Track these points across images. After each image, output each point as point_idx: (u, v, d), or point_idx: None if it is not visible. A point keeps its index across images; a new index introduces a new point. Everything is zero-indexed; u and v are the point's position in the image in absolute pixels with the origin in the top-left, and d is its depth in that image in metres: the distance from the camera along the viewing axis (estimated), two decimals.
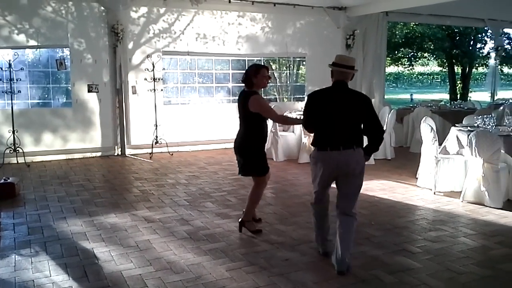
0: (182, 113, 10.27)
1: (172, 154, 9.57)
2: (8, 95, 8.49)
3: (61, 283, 3.77)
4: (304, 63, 12.29)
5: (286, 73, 13.46)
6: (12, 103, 8.48)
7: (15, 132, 8.48)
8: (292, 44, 11.16)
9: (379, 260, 4.26)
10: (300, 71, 14.46)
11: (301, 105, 11.11)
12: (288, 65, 13.09)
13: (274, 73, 13.41)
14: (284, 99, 12.57)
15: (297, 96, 12.14)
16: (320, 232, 4.35)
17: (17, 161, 8.55)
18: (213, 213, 5.64)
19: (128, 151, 9.66)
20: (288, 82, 12.98)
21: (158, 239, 4.75)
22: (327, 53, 11.46)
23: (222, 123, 10.19)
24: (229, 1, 10.01)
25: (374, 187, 6.94)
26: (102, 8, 9.21)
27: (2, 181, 6.35)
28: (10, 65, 8.36)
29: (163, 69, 10.07)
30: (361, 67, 11.89)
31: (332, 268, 4.01)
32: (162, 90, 9.91)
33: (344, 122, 3.91)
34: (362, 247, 4.55)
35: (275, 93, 13.04)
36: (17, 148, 8.49)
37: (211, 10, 10.15)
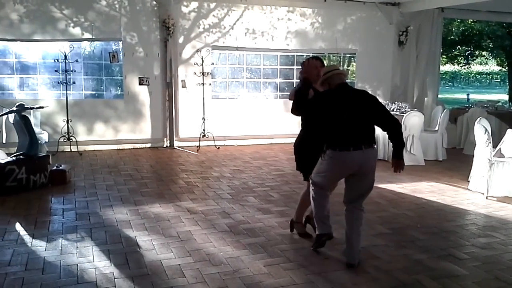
0: (229, 108, 10.34)
1: (218, 148, 9.66)
2: (63, 86, 8.85)
3: (103, 269, 3.87)
4: (354, 59, 12.05)
5: None
6: (67, 94, 8.83)
7: (69, 122, 8.83)
8: (342, 40, 10.97)
9: (423, 264, 4.11)
10: (350, 68, 14.19)
11: None
12: (337, 61, 12.88)
13: None
14: None
15: None
16: (322, 211, 4.21)
17: (70, 150, 8.91)
18: (255, 208, 5.63)
19: (176, 143, 9.85)
20: None
21: (199, 231, 4.79)
22: (379, 50, 11.28)
23: (269, 119, 10.19)
24: None
25: (423, 189, 6.70)
26: (154, 2, 9.41)
27: (55, 168, 6.63)
28: (66, 57, 8.71)
29: (212, 63, 10.16)
30: (413, 64, 11.54)
31: (372, 270, 3.91)
32: (210, 84, 10.02)
33: (360, 121, 3.89)
34: (406, 250, 4.40)
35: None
36: (71, 137, 8.84)
37: (260, 5, 10.15)
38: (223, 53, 10.53)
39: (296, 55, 10.81)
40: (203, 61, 9.55)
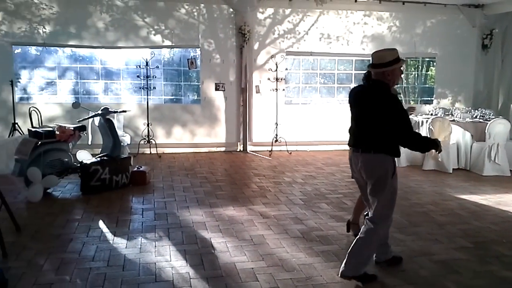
0: (302, 113, 10.32)
1: (290, 153, 9.66)
2: (144, 91, 9.28)
3: (179, 268, 4.00)
4: (433, 63, 11.58)
5: (414, 74, 12.80)
6: (148, 99, 9.25)
7: (149, 125, 9.24)
8: (421, 44, 10.60)
9: (509, 282, 3.85)
10: (429, 72, 13.64)
11: (428, 108, 10.52)
12: (416, 65, 12.44)
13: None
14: (411, 101, 11.96)
15: (425, 98, 11.49)
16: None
17: (150, 152, 9.31)
18: (328, 215, 5.57)
19: (249, 148, 9.98)
20: (416, 84, 12.33)
21: (271, 235, 4.82)
22: (460, 54, 10.76)
23: (342, 124, 9.99)
24: (355, 0, 9.83)
25: (508, 201, 6.28)
26: (231, 10, 9.62)
27: (136, 169, 6.95)
28: (147, 63, 9.12)
29: (286, 69, 10.20)
30: (498, 69, 10.89)
31: (453, 285, 3.72)
32: (284, 89, 10.06)
33: (363, 123, 3.76)
34: (490, 266, 4.14)
35: (401, 95, 12.44)
36: (151, 140, 9.24)
37: (336, 10, 10.07)
38: (297, 58, 10.54)
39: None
40: (277, 67, 9.62)
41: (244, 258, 4.23)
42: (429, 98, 11.30)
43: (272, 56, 9.81)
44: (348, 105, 3.93)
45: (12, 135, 8.45)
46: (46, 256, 4.24)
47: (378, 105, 3.61)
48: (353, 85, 10.67)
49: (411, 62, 12.42)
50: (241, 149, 10.00)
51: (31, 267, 4.01)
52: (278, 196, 6.41)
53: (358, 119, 3.83)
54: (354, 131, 3.89)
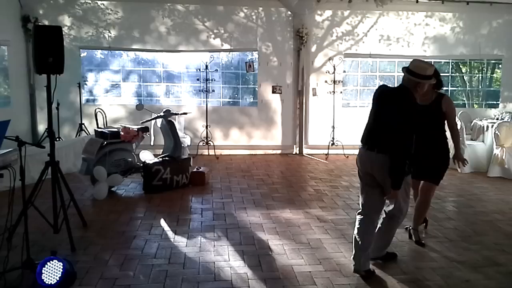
0: (360, 116, 10.11)
1: (347, 157, 9.55)
2: (204, 94, 9.49)
3: (237, 269, 4.07)
4: (499, 66, 11.07)
5: (478, 76, 12.30)
6: (207, 101, 9.45)
7: (208, 127, 9.43)
8: (486, 45, 10.16)
9: None
10: (494, 75, 13.05)
11: (494, 112, 10.07)
12: (480, 68, 11.96)
13: (464, 76, 12.37)
14: (475, 105, 11.50)
15: (490, 102, 11.00)
16: None
17: (208, 153, 9.50)
18: None
19: (305, 151, 9.97)
20: (480, 87, 11.84)
21: (329, 240, 4.79)
22: None
23: None
24: (417, 1, 9.57)
25: None
26: (289, 12, 9.64)
27: (195, 170, 7.12)
28: (206, 66, 9.32)
29: (344, 71, 10.10)
30: None
31: None
32: (341, 92, 9.96)
33: (377, 122, 3.81)
34: None
35: (464, 98, 12.00)
36: (209, 142, 9.43)
37: (396, 11, 9.86)
38: (355, 60, 10.41)
39: (433, 62, 10.24)
40: (334, 69, 9.54)
41: (301, 261, 4.23)
42: (495, 102, 10.80)
43: (329, 59, 9.74)
44: (372, 102, 3.96)
45: (79, 135, 8.89)
46: (111, 252, 4.44)
47: (400, 110, 3.62)
48: None
49: (475, 64, 11.95)
50: (297, 152, 9.99)
51: (97, 262, 4.21)
52: (335, 200, 6.35)
53: (378, 119, 3.81)
54: (371, 129, 3.86)
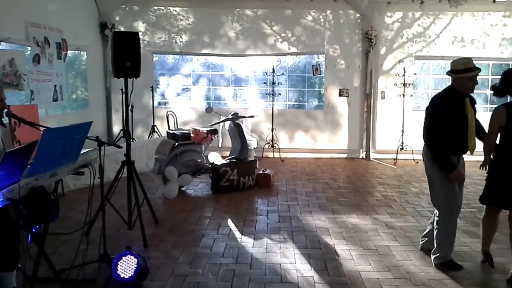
0: None
1: (417, 162, 9.24)
2: (270, 97, 9.57)
3: (304, 272, 4.07)
4: None
5: None
6: (273, 104, 9.53)
7: (273, 130, 9.50)
8: None
9: None
10: None
11: None
12: None
13: None
14: None
15: None
16: None
17: (273, 156, 9.57)
18: (460, 230, 5.20)
19: (372, 155, 9.77)
20: None
21: (398, 247, 4.67)
22: None
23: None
24: (494, 1, 9.09)
25: None
26: (358, 15, 9.51)
27: (261, 172, 7.20)
28: (273, 70, 9.40)
29: (414, 74, 9.79)
30: None
31: None
32: (411, 95, 9.67)
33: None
34: None
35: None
36: (274, 144, 9.49)
37: (471, 12, 9.44)
38: (426, 63, 10.07)
39: None
40: (404, 72, 9.29)
41: (369, 267, 4.17)
42: None
43: (399, 61, 9.50)
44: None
45: (151, 137, 9.27)
46: (181, 249, 4.59)
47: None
48: (489, 91, 9.90)
49: None
50: (364, 156, 9.82)
51: (168, 258, 4.38)
52: (404, 206, 6.18)
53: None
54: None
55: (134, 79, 4.71)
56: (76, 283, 3.80)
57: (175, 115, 9.38)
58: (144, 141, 8.78)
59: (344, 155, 9.90)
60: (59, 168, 3.36)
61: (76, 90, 9.01)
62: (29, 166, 2.97)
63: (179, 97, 10.35)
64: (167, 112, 9.34)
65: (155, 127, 9.43)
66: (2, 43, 6.11)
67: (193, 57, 10.15)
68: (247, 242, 4.82)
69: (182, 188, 6.91)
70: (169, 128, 8.82)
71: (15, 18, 6.42)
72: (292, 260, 4.33)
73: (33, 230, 3.30)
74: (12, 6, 6.33)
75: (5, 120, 3.62)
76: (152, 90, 9.43)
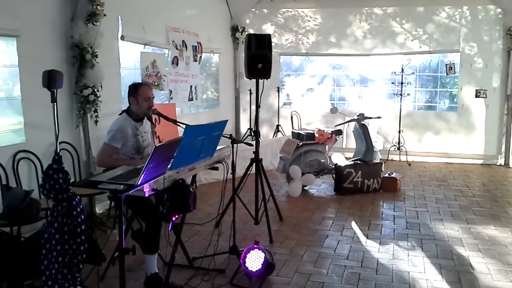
0: None
1: None
2: (397, 97, 9.21)
3: (434, 282, 3.86)
4: None
5: None
6: (400, 105, 9.15)
7: (401, 132, 9.13)
8: None
9: None
10: None
11: None
12: None
13: None
14: None
15: None
16: None
17: (399, 159, 9.19)
18: None
19: None
20: None
21: None
22: None
23: None
24: None
25: None
26: (499, 10, 8.73)
27: (387, 175, 6.97)
28: (402, 69, 9.03)
29: None
30: None
31: None
32: None
33: None
34: None
35: None
36: (401, 147, 9.12)
37: None
38: None
39: None
40: None
41: (509, 284, 3.82)
42: None
43: None
44: None
45: (275, 136, 9.49)
46: (305, 248, 4.64)
47: None
48: None
49: None
50: (502, 163, 8.98)
51: (293, 256, 4.45)
52: None
53: None
54: None
55: (266, 80, 4.87)
56: (208, 271, 4.04)
57: (299, 115, 9.49)
58: (269, 140, 9.01)
59: (480, 161, 9.15)
60: (197, 163, 3.60)
61: (207, 91, 9.55)
62: (172, 160, 3.22)
63: (303, 98, 10.43)
64: (291, 112, 9.48)
65: (279, 127, 9.63)
66: (146, 46, 6.71)
67: (318, 58, 10.16)
68: (372, 246, 4.71)
69: (305, 187, 6.97)
70: (293, 128, 8.95)
71: (157, 23, 7.01)
72: (421, 269, 4.13)
73: (173, 219, 3.59)
74: (155, 12, 6.91)
75: None
76: (278, 91, 9.63)
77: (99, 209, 5.69)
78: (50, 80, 2.57)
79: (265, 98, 9.61)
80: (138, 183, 2.64)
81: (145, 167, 2.60)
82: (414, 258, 4.39)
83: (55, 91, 2.60)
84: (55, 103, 2.65)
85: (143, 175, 2.65)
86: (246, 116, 10.00)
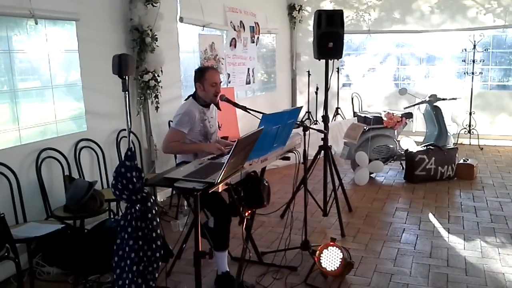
0: None
1: None
2: (468, 76, 8.52)
3: None
4: None
5: None
6: (472, 85, 8.46)
7: (472, 114, 8.46)
8: None
9: None
10: None
11: None
12: None
13: None
14: None
15: None
16: None
17: (470, 143, 8.53)
18: None
19: None
20: None
21: None
22: None
23: None
24: None
25: None
26: None
27: (462, 161, 6.44)
28: (474, 46, 8.33)
29: None
30: None
31: None
32: None
33: None
34: None
35: None
36: (472, 130, 8.46)
37: None
38: None
39: None
40: None
41: None
42: None
43: None
44: None
45: (335, 119, 9.05)
46: (382, 243, 4.28)
47: None
48: None
49: None
50: None
51: (369, 252, 4.11)
52: None
53: None
54: None
55: (336, 60, 4.49)
56: (279, 268, 3.77)
57: (360, 97, 9.00)
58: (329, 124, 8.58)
59: None
60: (270, 153, 3.30)
61: (263, 73, 9.22)
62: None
63: (364, 78, 9.90)
64: (352, 94, 9.00)
65: (339, 109, 9.18)
66: (204, 28, 6.44)
67: (380, 35, 9.56)
68: (456, 242, 4.28)
69: (371, 175, 6.55)
70: (353, 111, 8.49)
71: (215, 3, 6.71)
72: None
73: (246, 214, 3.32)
74: None
75: None
76: (338, 72, 9.15)
77: (160, 197, 5.54)
78: (121, 65, 2.27)
79: (323, 80, 9.15)
80: (218, 180, 2.37)
81: (227, 162, 2.32)
82: (506, 257, 3.93)
83: (127, 78, 2.31)
84: (127, 92, 2.37)
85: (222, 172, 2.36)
86: (303, 98, 9.59)
